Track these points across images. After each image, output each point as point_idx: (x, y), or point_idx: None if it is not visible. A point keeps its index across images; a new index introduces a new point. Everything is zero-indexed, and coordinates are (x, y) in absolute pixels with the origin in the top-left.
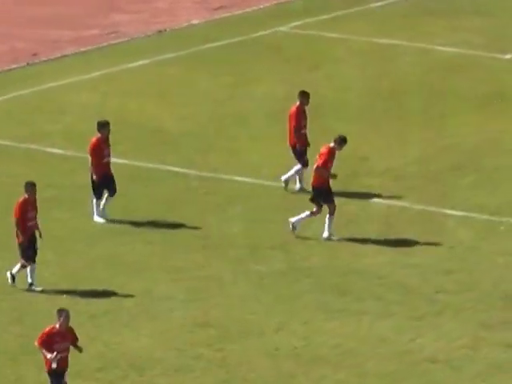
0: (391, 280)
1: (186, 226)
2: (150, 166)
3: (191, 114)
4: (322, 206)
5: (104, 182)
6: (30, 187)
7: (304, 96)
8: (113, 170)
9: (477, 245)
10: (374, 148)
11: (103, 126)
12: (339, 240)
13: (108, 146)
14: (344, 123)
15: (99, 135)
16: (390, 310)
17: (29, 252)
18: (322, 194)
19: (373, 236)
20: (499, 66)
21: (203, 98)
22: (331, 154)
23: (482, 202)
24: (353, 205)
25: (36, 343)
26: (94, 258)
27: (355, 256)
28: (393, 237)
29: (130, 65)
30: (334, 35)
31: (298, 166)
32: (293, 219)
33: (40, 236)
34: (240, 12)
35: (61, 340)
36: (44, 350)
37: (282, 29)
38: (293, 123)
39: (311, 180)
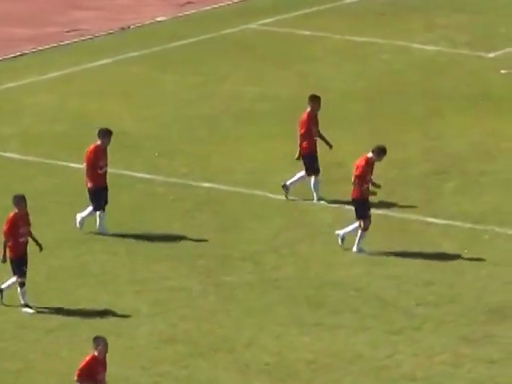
0: (368, 292)
1: (151, 234)
2: (113, 171)
3: (156, 115)
4: (370, 216)
5: (97, 194)
6: (20, 201)
7: (315, 101)
8: (108, 180)
9: (459, 255)
10: (350, 152)
11: (104, 135)
12: (312, 250)
13: (105, 156)
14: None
15: (98, 143)
16: (367, 323)
17: (22, 268)
18: (359, 207)
19: (348, 245)
20: (483, 65)
21: (169, 99)
22: (369, 165)
23: (465, 210)
24: (328, 213)
25: (75, 378)
26: (54, 268)
27: (330, 267)
28: (370, 246)
29: (91, 64)
30: (306, 33)
31: (302, 173)
32: (341, 232)
33: (40, 248)
34: (208, 8)
35: (103, 370)
36: None
37: (252, 26)
38: (303, 130)
39: (351, 193)
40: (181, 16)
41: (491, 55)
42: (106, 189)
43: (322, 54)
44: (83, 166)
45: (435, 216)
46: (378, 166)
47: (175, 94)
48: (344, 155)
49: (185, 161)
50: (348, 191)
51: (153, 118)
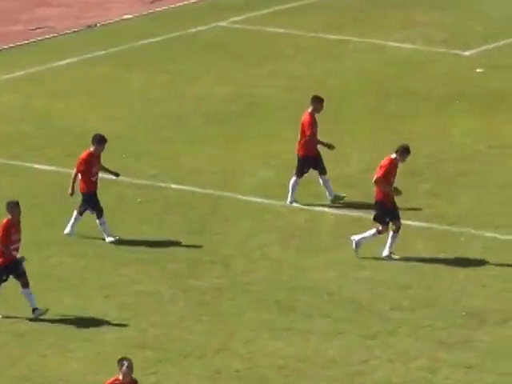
0: (341, 296)
1: (119, 237)
2: None
3: (123, 115)
4: (388, 222)
5: (88, 200)
6: (13, 207)
7: (317, 102)
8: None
9: (435, 257)
10: (322, 153)
11: (99, 142)
12: (283, 253)
13: (98, 163)
14: (290, 126)
15: (91, 149)
16: (340, 328)
17: (3, 275)
18: (386, 210)
19: (321, 248)
20: (459, 64)
21: (136, 99)
22: (392, 166)
23: (441, 211)
24: (300, 215)
25: None
26: None
27: (302, 270)
28: (343, 249)
29: (57, 63)
30: (278, 30)
31: (323, 178)
32: (356, 237)
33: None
34: (177, 6)
35: None
36: None
37: (222, 24)
38: (306, 131)
39: (374, 195)
40: (149, 14)
41: (467, 53)
42: (96, 196)
43: (294, 52)
44: (73, 171)
45: (410, 218)
46: (354, 168)
47: (143, 94)
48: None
49: (153, 162)
50: (321, 193)
51: (120, 118)
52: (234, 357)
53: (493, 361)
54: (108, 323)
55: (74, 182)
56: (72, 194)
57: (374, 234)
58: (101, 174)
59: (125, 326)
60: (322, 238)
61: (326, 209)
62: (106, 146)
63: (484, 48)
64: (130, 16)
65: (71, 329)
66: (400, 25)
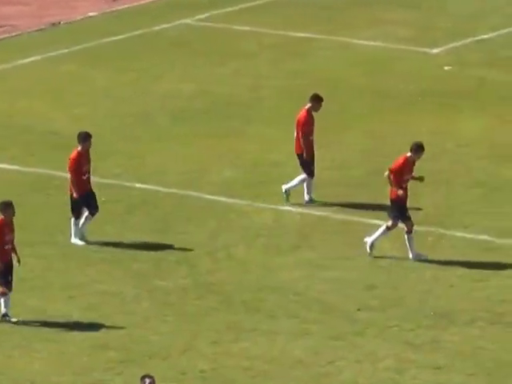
0: (307, 296)
1: (84, 237)
2: (44, 171)
3: (88, 114)
4: (410, 218)
5: (85, 200)
6: (6, 207)
7: (316, 101)
8: (92, 186)
9: (402, 257)
10: (287, 152)
11: (84, 139)
12: (249, 253)
13: (88, 161)
14: (254, 125)
15: (79, 148)
16: (307, 329)
17: (8, 278)
18: (397, 209)
19: (287, 248)
20: (426, 62)
21: (101, 97)
22: (406, 164)
23: (408, 211)
24: (264, 214)
25: None
26: None
27: (267, 270)
28: (309, 249)
29: (20, 61)
30: (244, 28)
31: (303, 176)
32: (368, 239)
33: (18, 261)
34: (141, 3)
35: None
36: None
37: (187, 21)
38: (300, 129)
39: (388, 192)
40: (113, 11)
41: (435, 51)
42: (93, 195)
43: (258, 50)
44: (68, 175)
45: (378, 218)
46: (320, 166)
47: (108, 92)
48: (280, 155)
49: (118, 161)
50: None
51: (85, 117)
52: (199, 357)
53: (461, 361)
54: (72, 324)
55: (76, 183)
56: (78, 195)
57: (384, 231)
58: (61, 173)
59: (89, 326)
60: (288, 237)
61: (292, 208)
62: (71, 145)
63: (452, 46)
64: (94, 14)
65: (36, 329)
66: (367, 23)
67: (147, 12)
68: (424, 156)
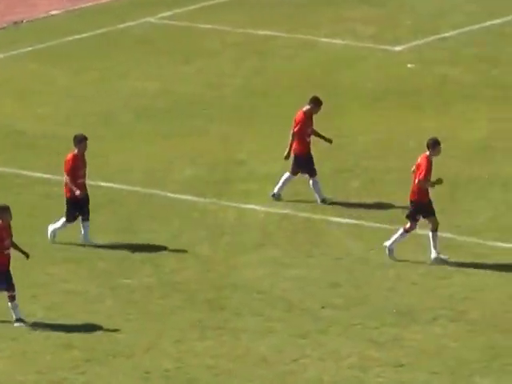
0: (271, 295)
1: (47, 236)
2: (8, 171)
3: (51, 113)
4: (417, 221)
5: (79, 205)
6: (3, 211)
7: (316, 104)
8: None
9: (366, 256)
10: (251, 151)
11: (80, 141)
12: (213, 251)
13: (84, 165)
14: (217, 123)
15: (75, 151)
16: (271, 327)
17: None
18: (423, 209)
19: (251, 246)
20: (389, 60)
21: (64, 96)
22: (429, 163)
23: (371, 209)
24: (229, 213)
25: None
26: None
27: (231, 268)
28: (273, 247)
29: None
30: (206, 26)
31: (287, 175)
32: (387, 243)
33: (27, 257)
34: (104, 1)
35: None
36: None
37: (150, 19)
38: (297, 129)
39: (410, 193)
40: (75, 10)
41: (397, 49)
42: (87, 200)
43: (221, 49)
44: (64, 177)
45: (340, 215)
46: (285, 163)
47: (71, 91)
48: (245, 153)
49: None
50: (250, 191)
51: (48, 116)
52: (164, 356)
53: (424, 359)
54: (36, 323)
55: (73, 185)
56: (80, 194)
57: (402, 234)
58: (26, 172)
59: (53, 325)
60: (252, 235)
61: (256, 206)
62: (34, 144)
63: (414, 43)
64: (57, 12)
65: None
66: (330, 20)
67: (110, 10)
68: (386, 153)
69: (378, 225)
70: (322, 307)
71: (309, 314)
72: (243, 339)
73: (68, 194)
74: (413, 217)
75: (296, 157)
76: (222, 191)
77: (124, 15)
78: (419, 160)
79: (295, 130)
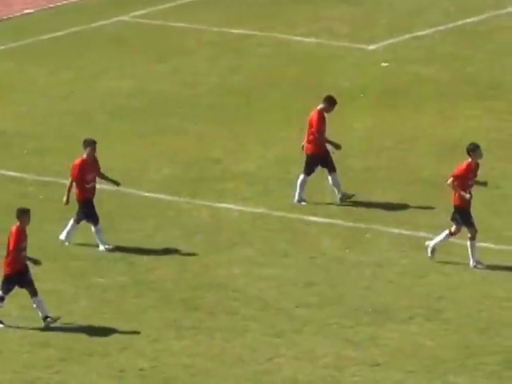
0: (246, 294)
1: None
2: None
3: (26, 112)
4: (462, 224)
5: (89, 210)
6: (23, 214)
7: (330, 103)
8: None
9: (341, 255)
10: (226, 149)
11: (88, 145)
12: (188, 250)
13: (94, 169)
14: (193, 122)
15: (84, 156)
16: (246, 326)
17: (9, 286)
18: (461, 215)
19: (226, 245)
20: (364, 58)
21: (39, 95)
22: (470, 169)
23: (346, 208)
24: (203, 212)
25: None
26: None
27: (206, 268)
28: (248, 246)
29: None
30: (181, 25)
31: (302, 177)
32: (431, 242)
33: (35, 263)
34: (78, 0)
35: None
36: None
37: (124, 18)
38: (315, 128)
39: (452, 198)
40: (50, 8)
41: (372, 47)
42: (93, 204)
43: (196, 47)
44: (68, 180)
45: (315, 214)
46: (256, 164)
47: (46, 90)
48: (220, 152)
49: (57, 159)
50: (225, 190)
51: (23, 115)
52: (139, 355)
53: (400, 358)
54: (10, 322)
55: (69, 191)
56: (67, 203)
57: (446, 235)
58: (3, 171)
59: (27, 324)
60: (226, 234)
61: (231, 205)
62: (10, 143)
63: (389, 42)
64: (32, 10)
65: None
66: (305, 19)
67: (85, 8)
68: (362, 152)
69: (352, 224)
70: (297, 306)
71: (284, 313)
72: (218, 338)
73: (79, 197)
74: (466, 222)
75: (311, 156)
76: (197, 190)
77: (97, 14)
78: (459, 165)
79: (313, 130)
